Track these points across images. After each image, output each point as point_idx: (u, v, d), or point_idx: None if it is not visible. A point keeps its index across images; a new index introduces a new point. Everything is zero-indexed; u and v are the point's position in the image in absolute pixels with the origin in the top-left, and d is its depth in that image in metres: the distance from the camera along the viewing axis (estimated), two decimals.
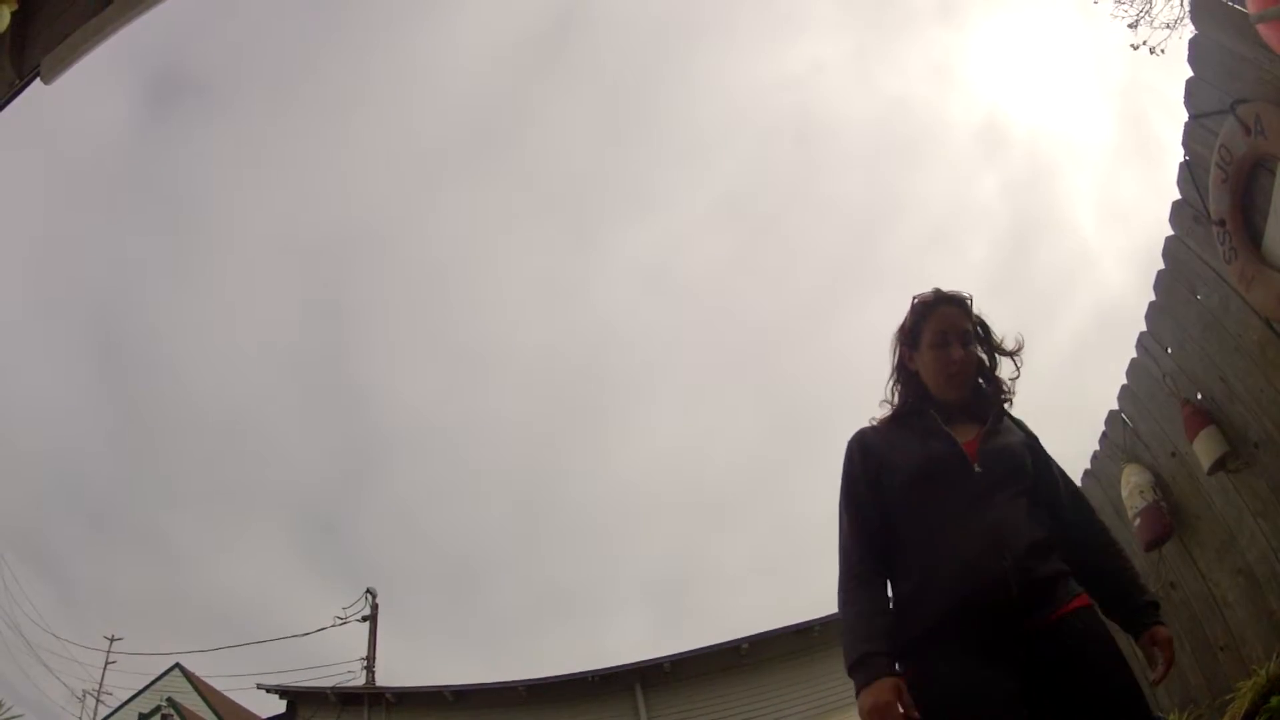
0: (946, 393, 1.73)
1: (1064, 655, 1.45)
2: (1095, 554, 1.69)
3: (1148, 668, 1.63)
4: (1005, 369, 1.83)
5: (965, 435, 1.67)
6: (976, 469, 1.60)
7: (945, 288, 1.81)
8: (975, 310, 1.80)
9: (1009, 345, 1.82)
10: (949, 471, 1.61)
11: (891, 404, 1.81)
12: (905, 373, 1.80)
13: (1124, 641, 1.63)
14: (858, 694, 1.45)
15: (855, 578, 1.60)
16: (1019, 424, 1.78)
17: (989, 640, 1.46)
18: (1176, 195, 3.14)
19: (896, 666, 1.49)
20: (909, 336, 1.80)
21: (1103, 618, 1.58)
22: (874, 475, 1.67)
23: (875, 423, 1.79)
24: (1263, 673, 2.73)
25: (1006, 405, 1.79)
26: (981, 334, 1.81)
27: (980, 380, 1.81)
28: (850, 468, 1.72)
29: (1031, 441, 1.75)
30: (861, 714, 1.44)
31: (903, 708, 1.41)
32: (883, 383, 1.84)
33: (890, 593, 1.60)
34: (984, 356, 1.81)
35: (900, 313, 1.84)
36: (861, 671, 1.46)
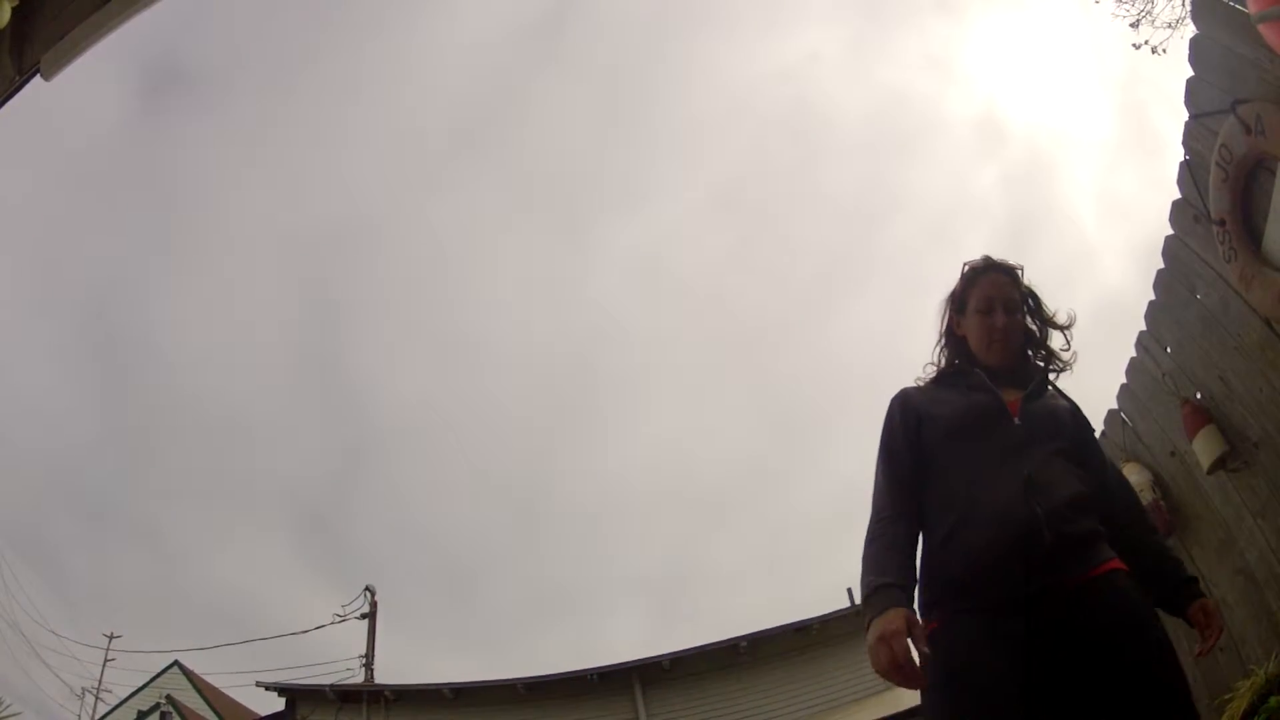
0: (989, 358, 1.75)
1: (1093, 613, 1.41)
2: (1133, 526, 1.67)
3: (1197, 640, 1.61)
4: (1058, 343, 1.83)
5: (1009, 396, 1.67)
6: (1016, 421, 1.61)
7: (996, 257, 1.82)
8: (1026, 281, 1.82)
9: (1061, 319, 1.82)
10: (989, 421, 1.62)
11: (937, 366, 1.83)
12: (952, 337, 1.83)
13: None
14: (868, 626, 1.42)
15: (881, 521, 1.60)
16: (1065, 395, 1.78)
17: (1017, 595, 1.42)
18: (1176, 191, 3.14)
19: (920, 618, 1.48)
20: (957, 302, 1.83)
21: (1139, 583, 1.54)
22: (913, 429, 1.69)
23: (920, 383, 1.82)
24: (1261, 673, 2.73)
25: (1054, 376, 1.80)
26: (1032, 305, 1.82)
27: (1030, 351, 1.81)
28: (890, 422, 1.74)
29: (1077, 412, 1.75)
30: (869, 645, 1.40)
31: (913, 640, 1.37)
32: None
33: (921, 542, 1.59)
34: (1034, 327, 1.82)
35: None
36: (874, 602, 1.44)
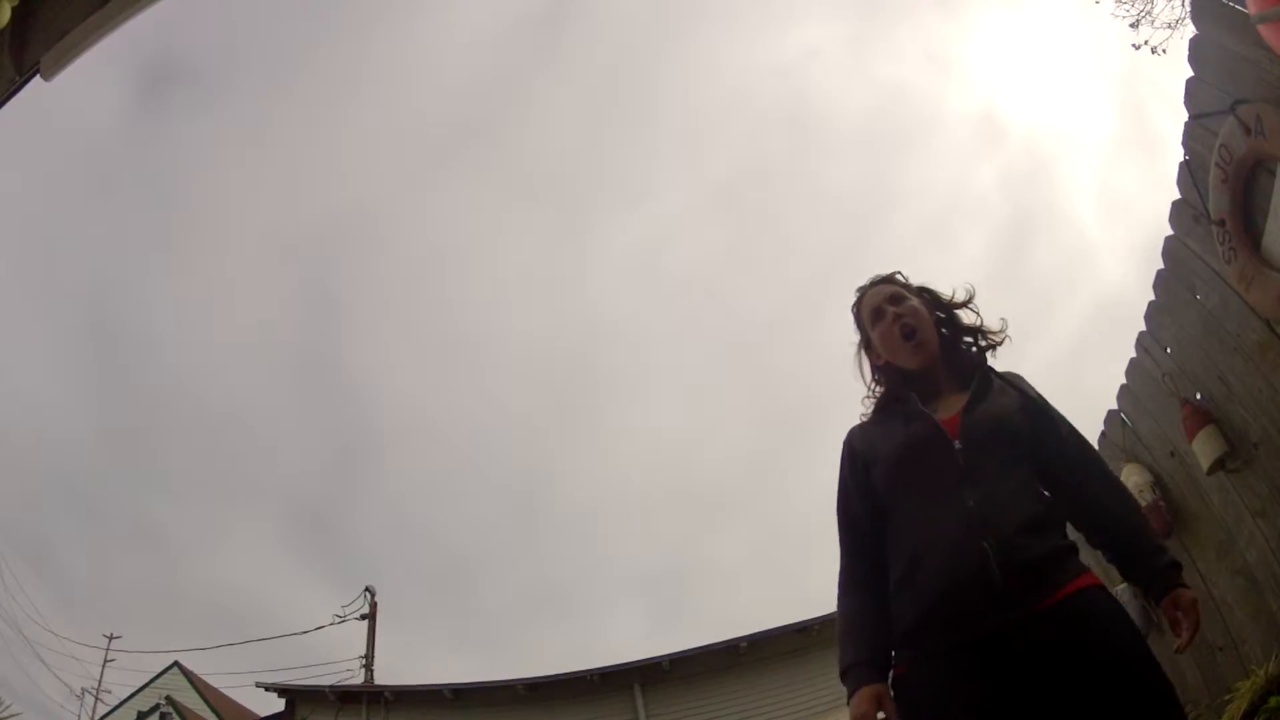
0: (911, 359, 1.68)
1: (1063, 641, 1.33)
2: (1108, 514, 1.60)
3: (1172, 636, 1.51)
4: (974, 320, 1.77)
5: (952, 408, 1.61)
6: (957, 445, 1.53)
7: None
8: (900, 278, 1.80)
9: (960, 297, 1.78)
10: (930, 452, 1.55)
11: (874, 398, 1.78)
12: (876, 369, 1.79)
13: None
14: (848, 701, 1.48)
15: (844, 584, 1.60)
16: (1014, 382, 1.69)
17: (975, 632, 1.38)
18: (1176, 190, 3.14)
19: (893, 656, 1.49)
20: (863, 338, 1.81)
21: (1115, 598, 1.48)
22: (862, 474, 1.65)
23: (864, 418, 1.77)
24: (1261, 673, 2.73)
25: (991, 354, 1.74)
26: (926, 296, 1.78)
27: (957, 339, 1.75)
28: (841, 471, 1.70)
29: (1029, 400, 1.65)
30: None
31: (885, 713, 1.42)
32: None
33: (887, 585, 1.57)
34: (941, 315, 1.76)
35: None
36: (846, 682, 1.49)
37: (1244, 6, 2.32)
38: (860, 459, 1.67)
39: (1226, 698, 2.86)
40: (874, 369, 1.79)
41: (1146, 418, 3.62)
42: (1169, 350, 3.37)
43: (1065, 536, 1.51)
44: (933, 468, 1.54)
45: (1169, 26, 6.84)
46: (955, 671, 1.39)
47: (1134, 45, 7.06)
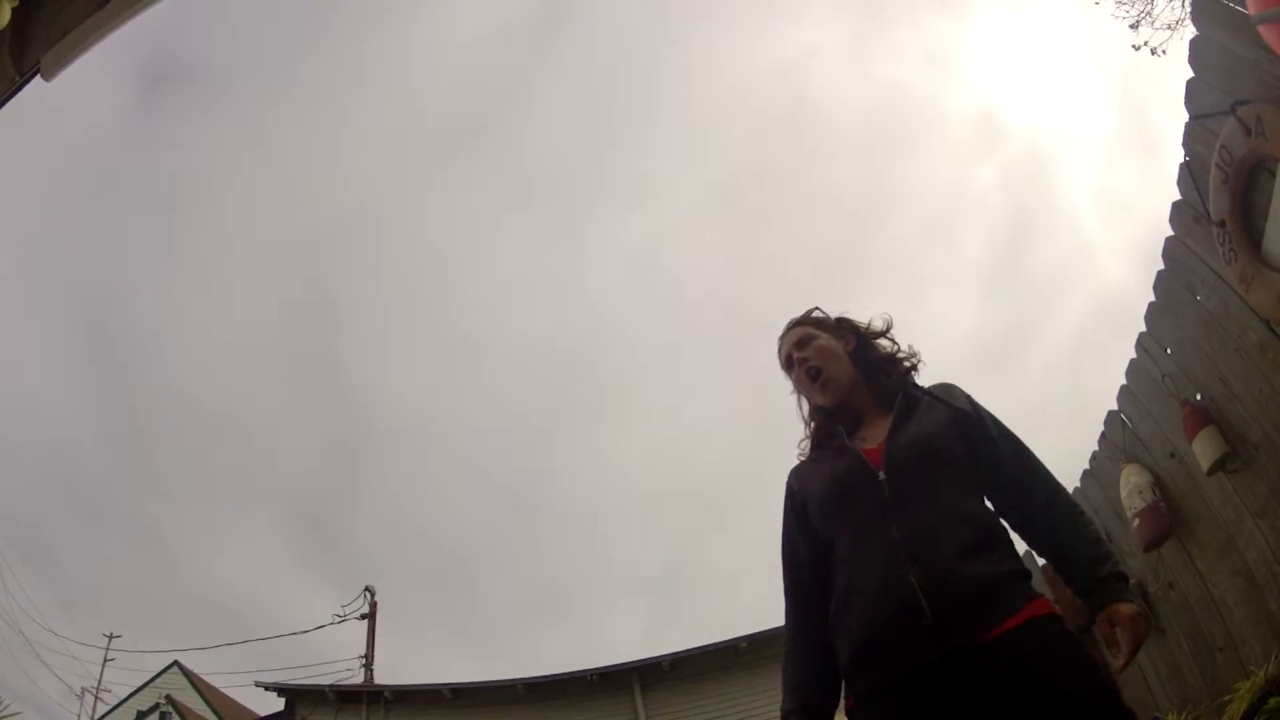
0: (824, 398, 1.70)
1: (1005, 678, 1.27)
2: (1047, 524, 1.53)
3: (1110, 655, 1.43)
4: (891, 347, 1.76)
5: (879, 436, 1.58)
6: (881, 476, 1.50)
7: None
8: (817, 315, 1.81)
9: (877, 326, 1.77)
10: (856, 486, 1.53)
11: (809, 438, 1.77)
12: (804, 411, 1.79)
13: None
14: None
15: (787, 628, 1.62)
16: (942, 396, 1.64)
17: (906, 669, 1.34)
18: (1176, 189, 3.14)
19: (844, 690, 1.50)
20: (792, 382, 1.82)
21: (1067, 629, 1.38)
22: (803, 516, 1.64)
23: (801, 458, 1.76)
24: (1261, 674, 2.73)
25: (913, 376, 1.71)
26: (834, 326, 1.78)
27: (875, 370, 1.72)
28: (784, 512, 1.70)
29: (959, 412, 1.59)
30: None
31: None
32: None
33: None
34: (841, 343, 1.75)
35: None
36: None
37: (1244, 7, 2.32)
38: (798, 499, 1.66)
39: (1226, 698, 2.86)
40: (805, 409, 1.80)
41: (1147, 418, 3.63)
42: (1169, 351, 3.37)
43: (1010, 558, 1.45)
44: (860, 501, 1.52)
45: (1169, 27, 6.86)
46: (895, 709, 1.36)
47: (1134, 46, 7.07)
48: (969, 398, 1.65)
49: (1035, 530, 1.56)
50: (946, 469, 1.50)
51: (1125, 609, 1.39)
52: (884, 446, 1.54)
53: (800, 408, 1.80)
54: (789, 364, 1.77)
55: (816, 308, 1.83)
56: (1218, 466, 2.99)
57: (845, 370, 1.70)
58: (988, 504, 1.54)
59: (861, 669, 1.43)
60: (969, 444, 1.55)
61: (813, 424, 1.76)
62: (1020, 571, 1.42)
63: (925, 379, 1.72)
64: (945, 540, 1.40)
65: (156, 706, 15.82)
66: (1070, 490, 4.48)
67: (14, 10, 1.69)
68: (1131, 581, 3.63)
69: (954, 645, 1.31)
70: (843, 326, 1.78)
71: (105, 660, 19.56)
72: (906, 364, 1.73)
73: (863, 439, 1.62)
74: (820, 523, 1.59)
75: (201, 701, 16.83)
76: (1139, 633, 1.38)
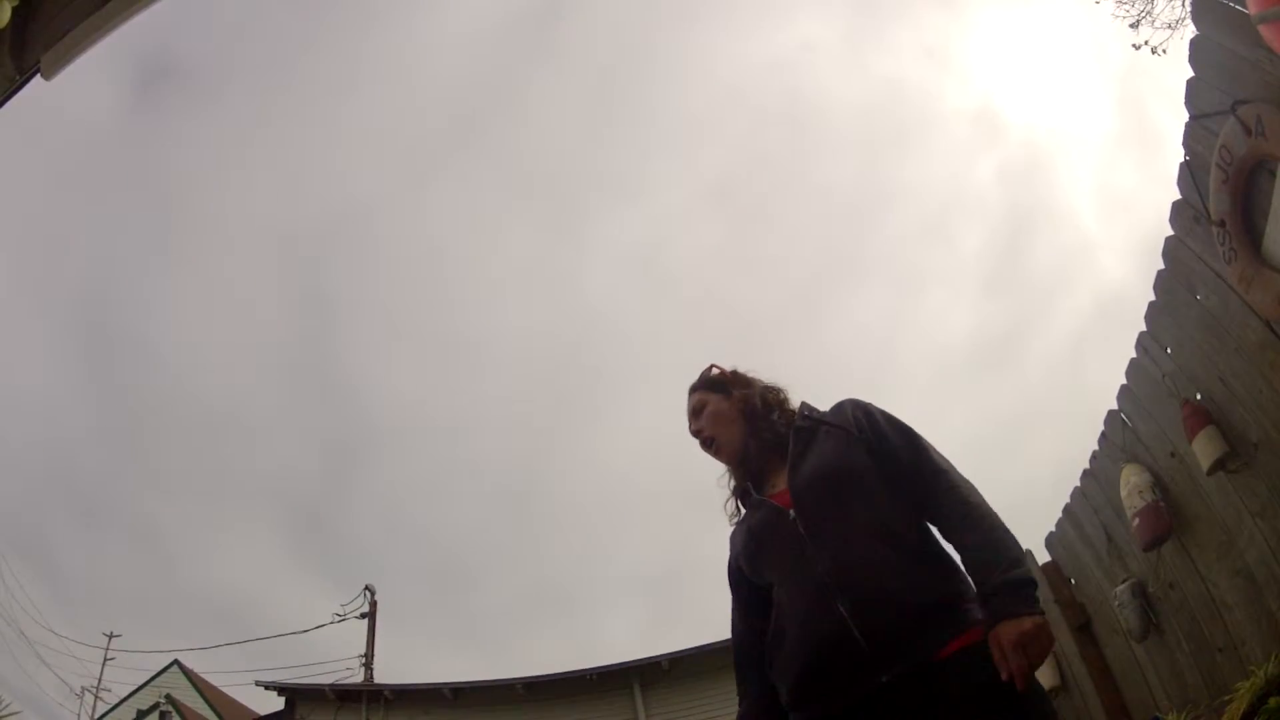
0: (726, 462, 1.76)
1: (935, 710, 1.27)
2: (945, 527, 1.48)
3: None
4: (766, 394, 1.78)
5: (784, 480, 1.60)
6: (791, 515, 1.52)
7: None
8: (715, 373, 1.84)
9: (743, 375, 1.81)
10: (772, 534, 1.56)
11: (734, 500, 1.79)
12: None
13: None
14: None
15: (737, 682, 1.70)
16: (833, 420, 1.64)
17: (841, 701, 1.36)
18: (1176, 187, 3.14)
19: None
20: None
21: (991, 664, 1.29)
22: (742, 573, 1.67)
23: (734, 520, 1.78)
24: (1261, 674, 2.72)
25: (804, 410, 1.72)
26: (723, 386, 1.80)
27: (766, 415, 1.73)
28: (728, 573, 1.74)
29: (856, 431, 1.59)
30: None
31: None
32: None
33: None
34: (729, 403, 1.77)
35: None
36: None
37: (1244, 6, 2.32)
38: (734, 559, 1.70)
39: (1226, 698, 2.86)
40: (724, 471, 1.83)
41: (1147, 418, 3.62)
42: (1169, 351, 3.37)
43: (945, 576, 1.43)
44: (781, 545, 1.53)
45: (1169, 26, 6.86)
46: None
47: (1134, 45, 7.08)
48: (861, 409, 1.64)
49: (948, 536, 1.48)
50: (854, 491, 1.50)
51: (1011, 630, 1.27)
52: (789, 486, 1.57)
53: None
54: (692, 433, 1.81)
55: (713, 365, 1.86)
56: (1218, 466, 2.99)
57: (737, 430, 1.73)
58: (913, 513, 1.50)
59: (800, 704, 1.44)
60: (872, 456, 1.54)
61: (731, 483, 1.79)
62: (954, 595, 1.39)
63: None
64: (869, 566, 1.40)
65: (156, 706, 15.81)
66: (1071, 490, 4.49)
67: (14, 10, 1.69)
68: (1131, 581, 3.68)
69: (889, 673, 1.32)
70: (732, 384, 1.81)
71: (105, 660, 19.60)
72: (788, 415, 1.73)
73: (773, 486, 1.65)
74: (754, 575, 1.62)
75: (201, 701, 16.84)
76: (1023, 660, 1.25)
